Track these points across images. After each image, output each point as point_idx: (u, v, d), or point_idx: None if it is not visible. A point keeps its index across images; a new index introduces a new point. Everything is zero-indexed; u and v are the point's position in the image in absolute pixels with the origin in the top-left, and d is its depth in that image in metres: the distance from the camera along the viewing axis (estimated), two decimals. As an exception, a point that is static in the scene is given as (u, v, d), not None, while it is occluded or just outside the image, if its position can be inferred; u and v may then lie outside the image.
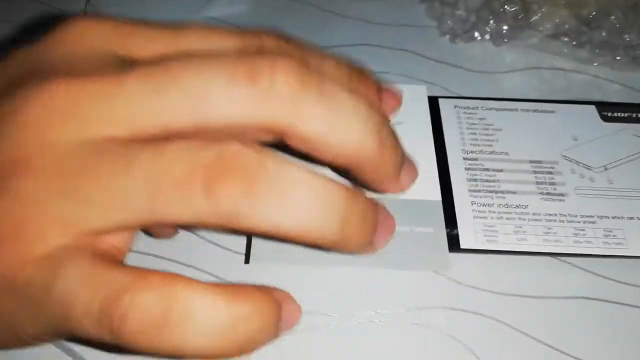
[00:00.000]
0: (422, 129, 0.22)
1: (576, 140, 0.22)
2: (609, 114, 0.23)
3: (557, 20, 0.26)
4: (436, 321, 0.19)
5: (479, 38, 0.27)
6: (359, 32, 0.29)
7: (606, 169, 0.21)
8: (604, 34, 0.26)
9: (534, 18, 0.26)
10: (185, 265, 0.20)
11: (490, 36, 0.27)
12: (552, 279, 0.20)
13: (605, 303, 0.19)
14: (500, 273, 0.20)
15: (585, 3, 0.25)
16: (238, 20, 0.29)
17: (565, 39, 0.26)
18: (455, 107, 0.23)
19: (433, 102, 0.24)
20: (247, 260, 0.20)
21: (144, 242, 0.20)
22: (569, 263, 0.20)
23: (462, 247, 0.19)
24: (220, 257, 0.20)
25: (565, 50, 0.27)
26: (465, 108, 0.23)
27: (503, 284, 0.20)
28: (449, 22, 0.28)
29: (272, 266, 0.20)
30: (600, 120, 0.23)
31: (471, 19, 0.28)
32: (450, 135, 0.22)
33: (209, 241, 0.21)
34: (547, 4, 0.26)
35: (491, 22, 0.27)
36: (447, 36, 0.28)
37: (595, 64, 0.27)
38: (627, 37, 0.26)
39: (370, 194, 0.14)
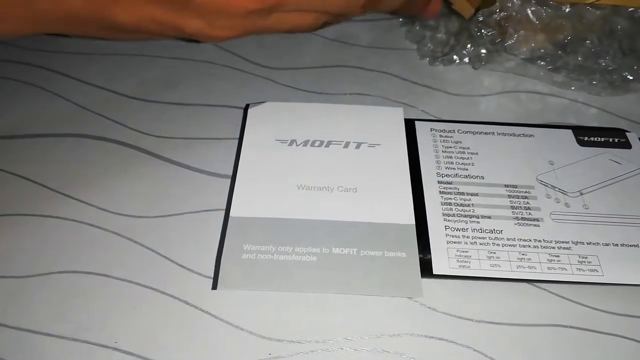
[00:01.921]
0: (398, 151, 0.22)
1: (552, 164, 0.22)
2: (586, 138, 0.23)
3: (533, 45, 0.26)
4: (409, 348, 0.18)
5: (458, 61, 0.27)
6: (339, 54, 0.29)
7: (582, 193, 0.21)
8: (579, 58, 0.26)
9: (510, 42, 0.26)
10: (152, 288, 0.19)
11: (469, 59, 0.27)
12: (527, 306, 0.19)
13: (580, 331, 0.19)
14: (475, 299, 0.19)
15: (560, 28, 0.26)
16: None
17: (542, 63, 0.26)
18: (431, 130, 0.23)
19: (410, 125, 0.23)
20: (214, 286, 0.19)
21: (119, 269, 0.20)
22: (543, 289, 0.20)
23: (434, 272, 0.19)
24: (190, 281, 0.20)
25: (542, 74, 0.27)
26: (441, 131, 0.23)
27: (477, 311, 0.19)
28: (428, 44, 0.28)
29: (241, 292, 0.19)
30: (577, 145, 0.23)
31: (450, 42, 0.28)
32: (425, 159, 0.22)
33: (179, 265, 0.20)
34: (523, 29, 0.26)
35: (469, 45, 0.27)
36: (427, 59, 0.28)
37: (572, 88, 0.27)
38: (602, 62, 0.26)
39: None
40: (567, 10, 0.26)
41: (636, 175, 0.22)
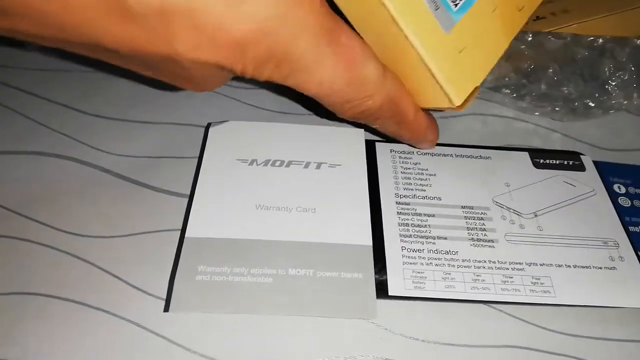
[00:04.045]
0: (358, 172, 0.22)
1: (508, 186, 0.23)
2: (541, 161, 0.24)
3: (497, 73, 0.27)
4: (363, 371, 0.18)
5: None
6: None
7: (536, 215, 0.22)
8: (543, 86, 0.27)
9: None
10: (104, 310, 0.19)
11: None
12: (482, 327, 0.19)
13: (534, 352, 0.19)
14: (431, 320, 0.19)
15: (523, 57, 0.26)
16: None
17: (507, 91, 0.27)
18: (391, 152, 0.23)
19: (370, 146, 0.24)
20: (166, 308, 0.19)
21: (71, 290, 0.19)
22: (498, 310, 0.20)
23: (390, 293, 0.19)
24: (143, 303, 0.19)
25: (507, 100, 0.27)
26: (401, 152, 0.23)
27: (433, 332, 0.19)
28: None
29: (195, 314, 0.19)
30: (533, 167, 0.23)
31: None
32: (384, 179, 0.22)
33: (133, 286, 0.20)
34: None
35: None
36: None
37: (536, 114, 0.27)
38: (565, 90, 0.27)
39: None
40: (530, 39, 0.27)
41: (589, 198, 0.22)
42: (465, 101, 0.18)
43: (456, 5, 0.17)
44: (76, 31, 0.14)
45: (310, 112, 0.27)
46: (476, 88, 0.19)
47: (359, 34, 0.18)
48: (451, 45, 0.18)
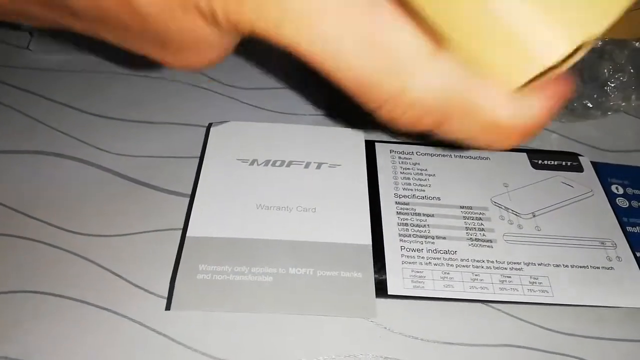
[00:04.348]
0: (357, 172, 0.22)
1: (507, 186, 0.23)
2: (540, 162, 0.24)
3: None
4: (362, 370, 0.18)
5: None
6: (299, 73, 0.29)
7: (534, 215, 0.22)
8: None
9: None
10: (105, 309, 0.19)
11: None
12: (481, 326, 0.20)
13: (532, 351, 0.19)
14: (429, 319, 0.20)
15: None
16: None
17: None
18: (391, 152, 0.24)
19: (370, 146, 0.24)
20: (168, 307, 0.19)
21: (73, 288, 0.20)
22: (497, 309, 0.20)
23: (389, 293, 0.19)
24: (145, 302, 0.19)
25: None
26: (400, 153, 0.24)
27: (431, 331, 0.19)
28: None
29: (196, 313, 0.19)
30: (531, 168, 0.24)
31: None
32: (384, 179, 0.22)
33: (134, 285, 0.20)
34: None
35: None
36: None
37: (535, 114, 0.27)
38: (563, 90, 0.27)
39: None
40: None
41: (587, 198, 0.23)
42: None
43: None
44: None
45: (312, 113, 0.27)
46: (582, 47, 0.12)
47: None
48: None
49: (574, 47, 0.11)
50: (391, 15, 0.12)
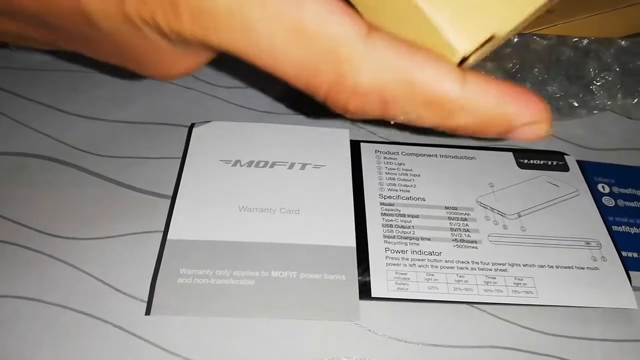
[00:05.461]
0: (342, 173, 0.22)
1: (492, 186, 0.23)
2: (525, 161, 0.24)
3: (482, 72, 0.27)
4: (346, 373, 0.18)
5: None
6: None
7: (520, 215, 0.22)
8: (528, 86, 0.27)
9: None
10: (85, 313, 0.19)
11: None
12: (465, 327, 0.19)
13: (517, 352, 0.19)
14: (414, 321, 0.19)
15: (508, 56, 0.26)
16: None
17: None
18: (376, 152, 0.23)
19: (355, 146, 0.24)
20: (147, 312, 0.19)
21: (52, 293, 0.19)
22: (481, 310, 0.20)
23: (373, 295, 0.19)
24: (125, 306, 0.19)
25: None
26: (385, 153, 0.23)
27: (416, 333, 0.19)
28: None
29: (177, 317, 0.19)
30: (517, 167, 0.24)
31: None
32: (369, 180, 0.22)
33: (115, 288, 0.19)
34: (473, 56, 0.26)
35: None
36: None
37: (520, 113, 0.27)
38: (550, 89, 0.27)
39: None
40: (515, 40, 0.27)
41: (572, 198, 0.23)
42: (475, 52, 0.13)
43: None
44: None
45: (296, 112, 0.26)
46: (493, 38, 0.13)
47: None
48: None
49: (483, 39, 0.13)
50: (318, 2, 0.12)
